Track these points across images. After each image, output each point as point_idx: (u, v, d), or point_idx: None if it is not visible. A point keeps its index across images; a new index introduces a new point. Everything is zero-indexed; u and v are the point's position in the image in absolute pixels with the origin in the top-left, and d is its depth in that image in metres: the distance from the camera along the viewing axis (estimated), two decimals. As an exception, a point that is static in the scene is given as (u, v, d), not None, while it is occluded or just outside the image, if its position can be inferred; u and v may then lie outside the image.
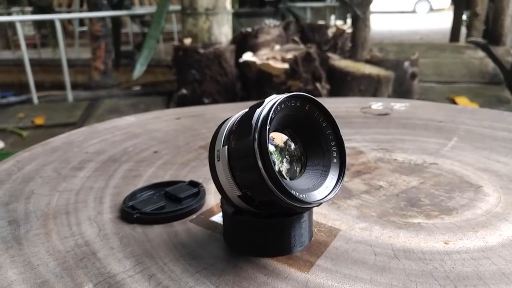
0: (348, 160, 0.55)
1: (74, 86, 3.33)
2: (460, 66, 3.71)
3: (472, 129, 0.67)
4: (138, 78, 3.16)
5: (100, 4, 3.41)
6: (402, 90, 2.22)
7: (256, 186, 0.31)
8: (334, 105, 0.85)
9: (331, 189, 0.34)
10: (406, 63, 2.24)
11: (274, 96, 0.33)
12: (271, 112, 0.31)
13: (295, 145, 0.36)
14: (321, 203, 0.33)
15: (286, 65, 1.87)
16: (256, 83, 2.00)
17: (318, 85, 1.93)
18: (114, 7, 3.43)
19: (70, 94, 3.08)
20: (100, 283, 0.32)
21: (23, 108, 2.82)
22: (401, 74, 2.22)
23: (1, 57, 4.22)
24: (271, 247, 0.35)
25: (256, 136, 0.30)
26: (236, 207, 0.35)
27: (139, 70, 2.21)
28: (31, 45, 4.66)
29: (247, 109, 0.33)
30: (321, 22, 2.69)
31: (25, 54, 2.89)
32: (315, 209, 0.43)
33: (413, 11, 11.84)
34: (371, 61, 2.26)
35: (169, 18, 4.18)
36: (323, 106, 0.34)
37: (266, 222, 0.34)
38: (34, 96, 2.98)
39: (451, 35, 5.21)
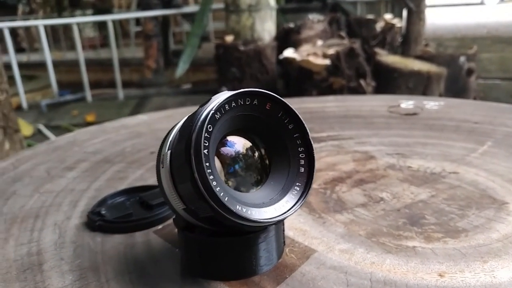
0: (355, 166, 0.49)
1: (129, 84, 3.44)
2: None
3: (513, 132, 0.58)
4: (189, 76, 3.20)
5: (152, 3, 3.49)
6: (457, 88, 2.04)
7: (193, 199, 0.26)
8: (359, 103, 0.78)
9: (292, 204, 0.28)
10: (462, 59, 2.06)
11: (223, 92, 0.28)
12: (212, 111, 0.26)
13: (258, 151, 0.30)
14: (274, 222, 0.27)
15: (327, 61, 1.79)
16: (297, 80, 1.93)
17: (362, 82, 1.83)
18: (165, 6, 3.50)
19: (121, 92, 3.18)
20: (30, 300, 0.29)
21: (78, 106, 2.96)
22: (456, 70, 2.04)
23: (66, 58, 4.47)
24: (224, 270, 0.30)
25: (193, 138, 0.25)
26: (187, 222, 0.30)
27: (182, 68, 2.23)
28: (92, 46, 4.90)
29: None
30: (370, 16, 2.55)
31: (80, 54, 3.03)
32: (294, 224, 0.37)
33: (481, 3, 11.06)
34: (422, 57, 2.10)
35: (221, 16, 4.20)
36: (288, 105, 0.29)
37: (217, 241, 0.29)
38: (88, 94, 3.12)
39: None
